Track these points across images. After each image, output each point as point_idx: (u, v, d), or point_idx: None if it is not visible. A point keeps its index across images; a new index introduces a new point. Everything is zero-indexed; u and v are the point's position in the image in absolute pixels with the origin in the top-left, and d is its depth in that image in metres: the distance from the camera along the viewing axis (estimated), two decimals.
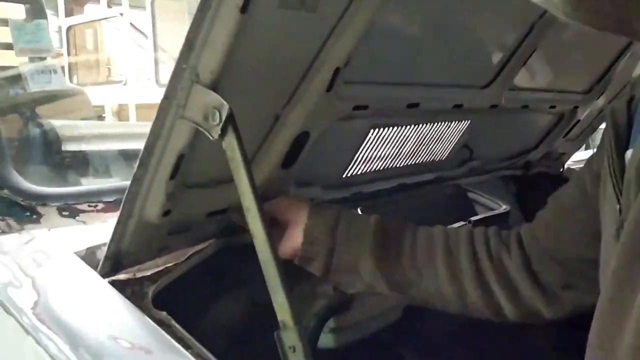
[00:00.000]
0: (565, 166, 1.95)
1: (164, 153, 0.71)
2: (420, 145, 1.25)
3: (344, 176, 1.13)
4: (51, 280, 0.75)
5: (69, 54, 5.46)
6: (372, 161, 1.17)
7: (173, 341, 0.67)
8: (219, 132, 0.66)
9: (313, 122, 0.87)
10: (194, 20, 0.62)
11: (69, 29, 5.46)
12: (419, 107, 1.06)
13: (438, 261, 0.87)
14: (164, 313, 0.74)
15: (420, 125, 1.18)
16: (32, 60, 1.16)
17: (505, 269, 0.86)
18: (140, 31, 5.48)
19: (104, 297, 0.74)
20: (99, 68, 6.07)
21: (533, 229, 0.87)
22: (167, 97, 0.67)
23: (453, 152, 1.37)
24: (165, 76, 4.51)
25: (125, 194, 0.73)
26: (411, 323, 1.04)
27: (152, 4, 4.37)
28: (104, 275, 0.77)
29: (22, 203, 0.85)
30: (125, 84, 4.94)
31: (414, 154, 1.26)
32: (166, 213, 0.77)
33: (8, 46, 1.23)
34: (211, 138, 0.67)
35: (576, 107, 1.63)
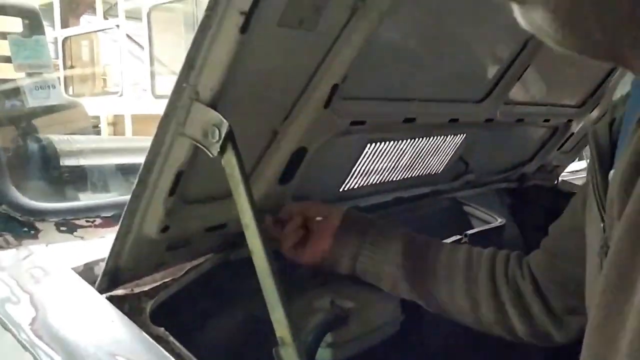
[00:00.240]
0: (560, 178, 1.97)
1: (163, 170, 0.72)
2: (416, 159, 1.26)
3: (340, 190, 1.14)
4: (49, 296, 0.75)
5: (64, 65, 5.47)
6: (369, 175, 1.18)
7: (171, 357, 0.67)
8: (219, 149, 0.67)
9: (311, 138, 0.88)
10: (195, 40, 0.63)
11: (65, 40, 5.47)
12: (415, 121, 1.07)
13: (458, 275, 0.92)
14: (162, 329, 0.74)
15: (417, 140, 1.19)
16: (29, 75, 1.16)
17: (520, 292, 0.90)
18: (137, 42, 5.51)
19: (102, 313, 0.74)
20: (94, 79, 6.08)
21: (537, 255, 0.91)
22: (167, 115, 0.68)
23: (449, 165, 1.38)
24: (161, 87, 4.53)
25: (124, 210, 0.73)
26: (409, 337, 1.04)
27: (148, 15, 4.39)
28: (101, 291, 0.77)
29: (20, 218, 0.85)
30: (121, 95, 4.95)
31: (410, 168, 1.27)
32: (165, 229, 0.77)
33: (7, 59, 1.24)
34: (211, 155, 0.67)
35: (570, 120, 1.65)
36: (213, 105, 0.67)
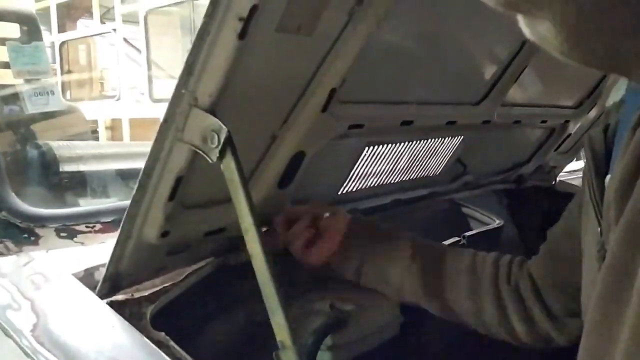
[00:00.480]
0: (558, 179, 1.97)
1: (163, 175, 0.72)
2: (414, 162, 1.26)
3: (339, 193, 1.14)
4: (50, 302, 0.75)
5: (62, 70, 5.47)
6: (367, 178, 1.18)
7: None
8: (218, 155, 0.67)
9: (309, 142, 0.88)
10: (193, 46, 0.63)
11: (62, 44, 5.48)
12: (413, 124, 1.07)
13: (461, 278, 0.94)
14: (162, 334, 0.74)
15: (414, 142, 1.20)
16: (28, 81, 1.17)
17: (521, 295, 0.91)
18: (134, 46, 5.51)
19: (103, 318, 0.74)
20: (92, 83, 6.08)
21: (538, 258, 0.92)
22: (166, 121, 0.68)
23: (446, 167, 1.38)
24: (159, 91, 4.53)
25: (124, 215, 0.74)
26: (409, 339, 1.04)
27: (145, 19, 4.39)
28: (102, 296, 0.78)
29: (20, 225, 0.85)
30: (118, 99, 4.95)
31: (408, 170, 1.28)
32: (165, 234, 0.78)
33: (6, 65, 1.24)
34: (210, 161, 0.68)
35: (567, 121, 1.66)
36: (212, 111, 0.67)
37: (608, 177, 0.63)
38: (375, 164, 1.16)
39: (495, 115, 1.28)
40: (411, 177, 1.31)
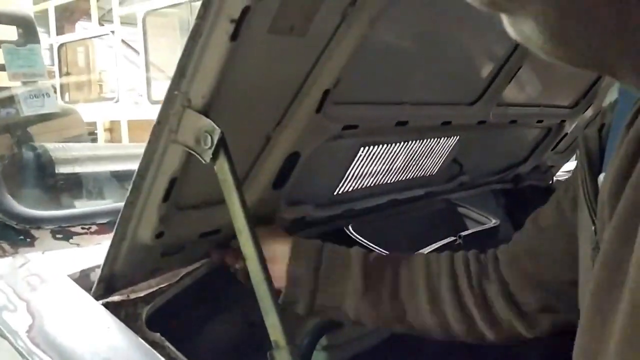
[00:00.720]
0: (554, 179, 1.98)
1: (157, 177, 0.73)
2: (410, 162, 1.27)
3: (335, 194, 1.15)
4: (45, 303, 0.75)
5: (60, 72, 5.47)
6: (363, 178, 1.18)
7: None
8: (211, 156, 0.68)
9: (303, 143, 0.88)
10: (185, 48, 0.64)
11: (60, 46, 5.48)
12: (408, 125, 1.08)
13: (420, 296, 0.88)
14: (158, 334, 0.74)
15: (410, 142, 1.20)
16: (24, 83, 1.17)
17: (485, 294, 0.87)
18: (132, 47, 5.51)
19: (98, 319, 0.74)
20: (90, 85, 6.08)
21: (511, 252, 0.88)
22: (159, 122, 0.68)
23: (443, 167, 1.39)
24: (157, 93, 4.53)
25: (119, 217, 0.74)
26: (403, 339, 1.04)
27: (143, 20, 4.40)
28: (97, 297, 0.78)
29: (15, 226, 0.86)
30: (117, 101, 4.95)
31: (404, 171, 1.28)
32: (159, 235, 0.78)
33: (2, 67, 1.24)
34: (203, 162, 0.68)
35: (563, 121, 1.66)
36: (205, 112, 0.67)
37: (601, 175, 0.64)
38: (371, 165, 1.16)
39: (491, 115, 1.28)
40: (407, 177, 1.31)
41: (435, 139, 1.27)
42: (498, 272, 0.87)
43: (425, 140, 1.24)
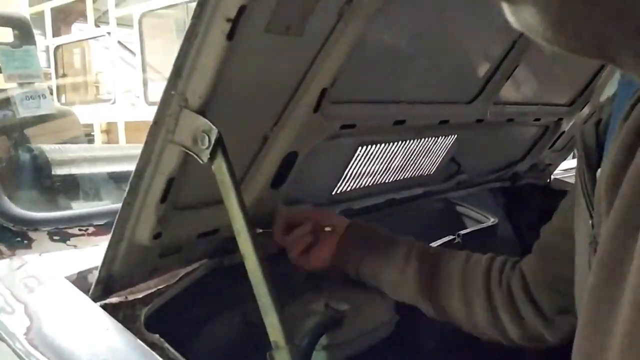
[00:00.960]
0: (552, 177, 1.98)
1: (154, 177, 0.72)
2: (407, 161, 1.26)
3: (333, 193, 1.14)
4: (43, 305, 0.75)
5: (56, 73, 5.46)
6: (361, 178, 1.18)
7: None
8: (208, 156, 0.67)
9: (301, 142, 0.88)
10: (182, 48, 0.63)
11: (56, 48, 5.47)
12: (405, 123, 1.07)
13: (454, 281, 0.95)
14: (157, 336, 0.74)
15: (407, 141, 1.20)
16: (20, 85, 1.17)
17: (512, 296, 0.91)
18: (128, 49, 5.51)
19: (96, 321, 0.74)
20: (87, 87, 6.07)
21: (532, 257, 0.92)
22: (156, 123, 0.68)
23: (441, 166, 1.39)
24: (154, 94, 4.53)
25: (116, 218, 0.74)
26: (404, 338, 1.04)
27: (140, 21, 4.39)
28: (95, 299, 0.78)
29: (12, 228, 0.85)
30: (113, 103, 4.94)
31: (402, 170, 1.28)
32: (157, 235, 0.78)
33: None
34: (201, 162, 0.68)
35: (560, 119, 1.66)
36: (202, 112, 0.67)
37: (600, 170, 0.63)
38: (369, 164, 1.16)
39: (488, 114, 1.28)
40: (405, 177, 1.31)
41: (433, 138, 1.27)
42: (522, 277, 0.91)
43: (422, 139, 1.24)
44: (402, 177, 1.30)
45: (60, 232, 0.89)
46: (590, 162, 0.65)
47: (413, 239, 1.02)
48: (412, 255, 0.97)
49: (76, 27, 6.93)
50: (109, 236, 0.78)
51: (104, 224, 0.93)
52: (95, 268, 0.81)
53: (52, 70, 5.48)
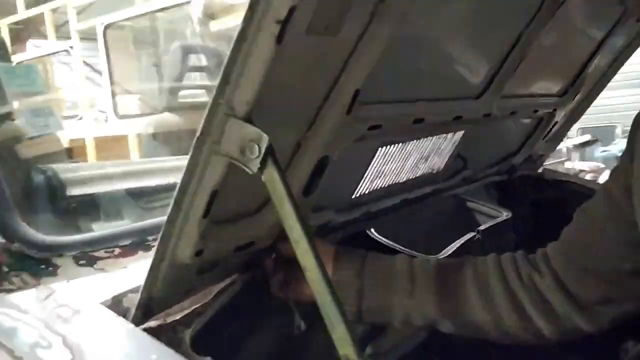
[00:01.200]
0: (543, 167, 2.00)
1: (197, 191, 0.69)
2: (420, 160, 1.25)
3: (353, 197, 1.12)
4: (83, 335, 0.70)
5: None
6: (377, 179, 1.16)
7: None
8: (259, 165, 0.64)
9: (333, 146, 0.85)
10: (231, 54, 0.60)
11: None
12: (424, 122, 1.06)
13: (470, 291, 0.87)
14: (209, 358, 0.70)
15: (421, 140, 1.19)
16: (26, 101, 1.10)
17: (539, 290, 0.86)
18: (89, 64, 5.36)
19: (143, 347, 0.70)
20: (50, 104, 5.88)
21: (563, 246, 0.88)
22: (202, 134, 0.64)
23: (448, 163, 1.38)
24: (124, 107, 4.41)
25: (159, 237, 0.70)
26: (443, 338, 1.02)
27: (103, 34, 4.28)
28: (137, 324, 0.73)
29: (35, 255, 0.80)
30: (80, 119, 4.80)
31: (414, 169, 1.26)
32: (199, 252, 0.74)
33: None
34: (250, 172, 0.65)
35: (554, 110, 1.68)
36: (249, 119, 0.64)
37: None
38: (385, 165, 1.14)
39: (495, 108, 1.28)
40: (416, 176, 1.29)
41: (444, 135, 1.26)
42: (551, 269, 0.86)
43: (434, 137, 1.23)
44: (413, 176, 1.29)
45: (86, 256, 0.84)
46: None
47: (405, 255, 0.93)
48: (416, 274, 0.89)
49: (31, 44, 6.71)
50: (136, 257, 0.74)
51: (129, 244, 0.88)
52: (130, 291, 0.77)
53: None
